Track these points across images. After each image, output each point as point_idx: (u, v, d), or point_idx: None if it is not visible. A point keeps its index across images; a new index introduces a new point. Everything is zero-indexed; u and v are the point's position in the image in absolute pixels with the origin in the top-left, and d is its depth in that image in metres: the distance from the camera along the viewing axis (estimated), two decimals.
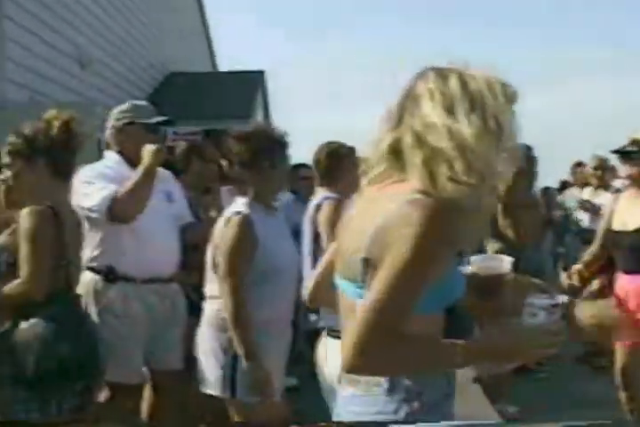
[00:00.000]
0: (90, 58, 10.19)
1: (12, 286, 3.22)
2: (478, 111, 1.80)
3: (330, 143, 4.74)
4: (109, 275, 3.92)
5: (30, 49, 8.75)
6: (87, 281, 3.83)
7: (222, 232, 3.45)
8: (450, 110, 1.80)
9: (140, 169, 3.87)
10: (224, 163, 5.84)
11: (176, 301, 4.17)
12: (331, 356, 3.09)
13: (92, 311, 3.83)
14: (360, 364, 1.77)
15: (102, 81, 10.81)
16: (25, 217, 3.20)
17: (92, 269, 3.90)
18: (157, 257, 4.04)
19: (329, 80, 74.97)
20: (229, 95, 12.99)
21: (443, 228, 1.75)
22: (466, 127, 1.78)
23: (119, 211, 3.85)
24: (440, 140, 1.79)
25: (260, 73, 15.28)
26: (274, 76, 16.70)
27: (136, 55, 12.60)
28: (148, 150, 3.88)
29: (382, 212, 1.81)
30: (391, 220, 1.78)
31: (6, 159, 3.33)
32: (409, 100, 1.87)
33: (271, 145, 3.56)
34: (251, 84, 14.41)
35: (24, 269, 3.20)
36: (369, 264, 1.81)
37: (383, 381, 1.88)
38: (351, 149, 4.63)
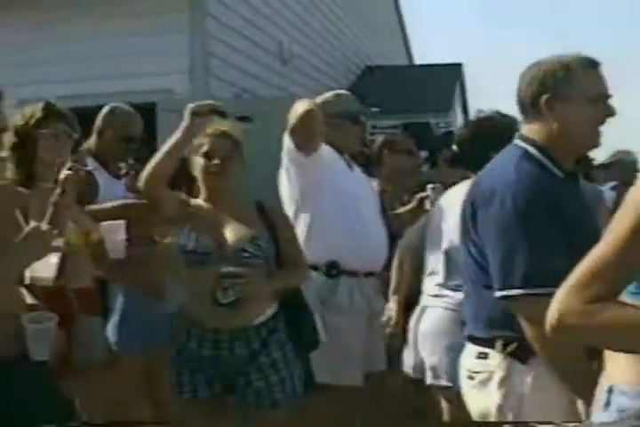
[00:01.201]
0: (291, 53, 10.33)
1: (288, 275, 3.40)
2: None
3: None
4: (332, 270, 3.80)
5: (233, 46, 8.95)
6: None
7: None
8: None
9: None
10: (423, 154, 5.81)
11: (378, 295, 4.08)
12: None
13: (317, 311, 3.68)
14: (558, 319, 1.62)
15: (302, 76, 10.94)
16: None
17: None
18: (375, 249, 3.94)
19: None
20: (427, 89, 12.86)
21: None
22: None
23: (296, 134, 3.75)
24: None
25: (458, 65, 15.06)
26: (472, 68, 16.45)
27: (334, 50, 12.68)
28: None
29: None
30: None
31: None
32: None
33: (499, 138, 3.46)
34: (448, 77, 14.22)
35: (301, 257, 3.46)
36: None
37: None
38: None
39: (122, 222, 3.90)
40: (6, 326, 2.56)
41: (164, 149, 3.34)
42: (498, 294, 2.46)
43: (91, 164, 4.33)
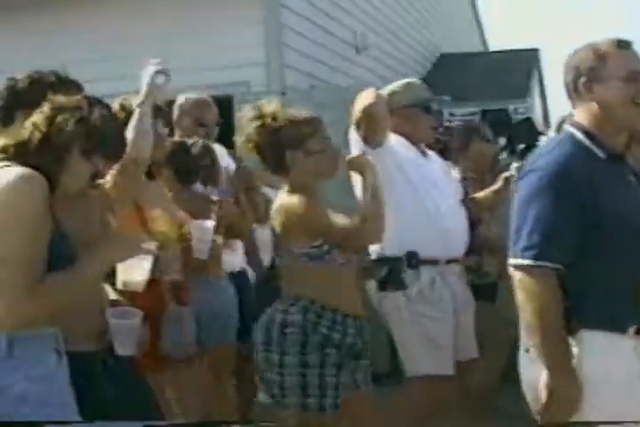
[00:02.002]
0: (365, 43, 10.30)
1: None
2: None
3: None
4: (411, 260, 3.72)
5: (307, 36, 8.95)
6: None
7: None
8: None
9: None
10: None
11: (465, 283, 4.02)
12: None
13: (400, 302, 3.70)
14: None
15: (377, 65, 10.90)
16: None
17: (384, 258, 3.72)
18: (454, 236, 3.88)
19: None
20: (504, 75, 12.71)
21: None
22: None
23: (362, 127, 3.67)
24: None
25: (534, 51, 14.84)
26: (549, 53, 16.20)
27: (408, 38, 12.60)
28: None
29: None
30: None
31: None
32: None
33: None
34: (525, 62, 14.03)
35: None
36: None
37: None
38: None
39: (212, 223, 3.88)
40: (91, 321, 2.58)
41: None
42: (509, 262, 2.62)
43: None
